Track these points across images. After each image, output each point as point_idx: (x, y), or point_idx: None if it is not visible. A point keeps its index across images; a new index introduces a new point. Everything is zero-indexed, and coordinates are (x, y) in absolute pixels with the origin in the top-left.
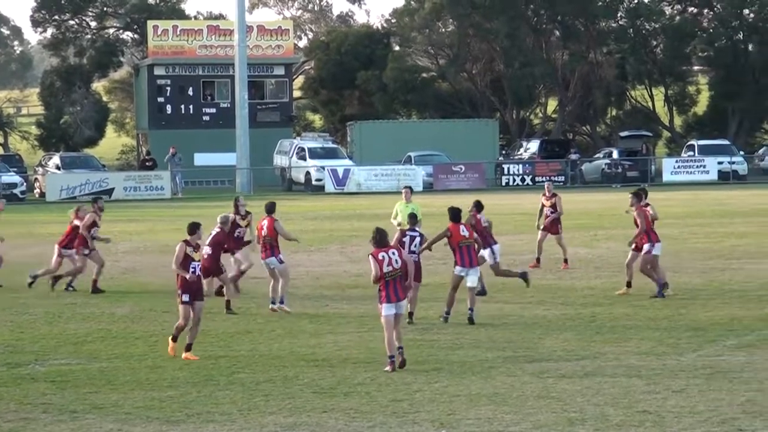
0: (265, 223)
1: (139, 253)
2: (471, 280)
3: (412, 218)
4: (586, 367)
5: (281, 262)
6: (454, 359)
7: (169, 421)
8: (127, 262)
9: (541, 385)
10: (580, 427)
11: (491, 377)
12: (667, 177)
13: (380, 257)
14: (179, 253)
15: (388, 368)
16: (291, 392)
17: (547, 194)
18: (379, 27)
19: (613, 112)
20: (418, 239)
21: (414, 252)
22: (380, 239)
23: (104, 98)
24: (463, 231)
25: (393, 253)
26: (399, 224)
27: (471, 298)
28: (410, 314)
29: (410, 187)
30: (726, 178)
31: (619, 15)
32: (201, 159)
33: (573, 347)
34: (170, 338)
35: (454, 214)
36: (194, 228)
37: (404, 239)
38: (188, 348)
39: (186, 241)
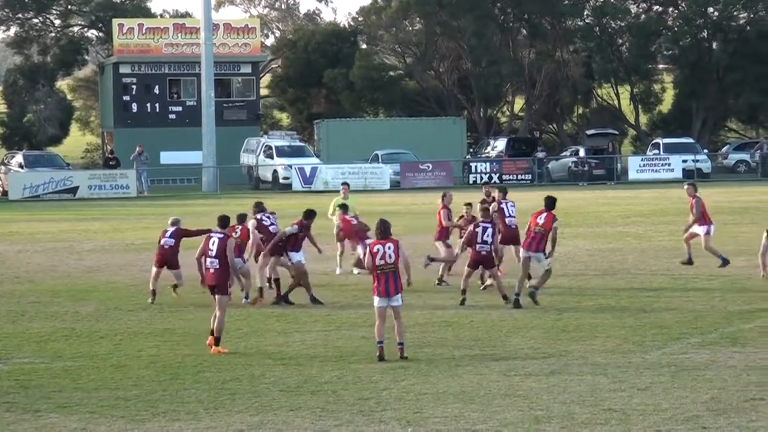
0: (240, 228)
1: (104, 251)
2: (544, 263)
3: (485, 212)
4: (552, 365)
5: (244, 262)
6: (421, 357)
7: (134, 420)
8: (91, 261)
9: (507, 383)
10: (546, 425)
11: (458, 375)
12: (632, 175)
13: (375, 249)
14: (232, 246)
15: (378, 352)
16: (257, 391)
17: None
18: (346, 25)
19: (580, 111)
20: (489, 230)
21: (486, 242)
22: (383, 231)
23: (69, 96)
24: (539, 219)
25: (389, 248)
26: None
27: (542, 279)
28: (503, 296)
29: (347, 184)
30: (690, 176)
31: (585, 13)
32: (167, 157)
33: (539, 345)
34: (215, 339)
35: (548, 202)
36: (226, 221)
37: (477, 230)
38: (217, 341)
39: (228, 236)
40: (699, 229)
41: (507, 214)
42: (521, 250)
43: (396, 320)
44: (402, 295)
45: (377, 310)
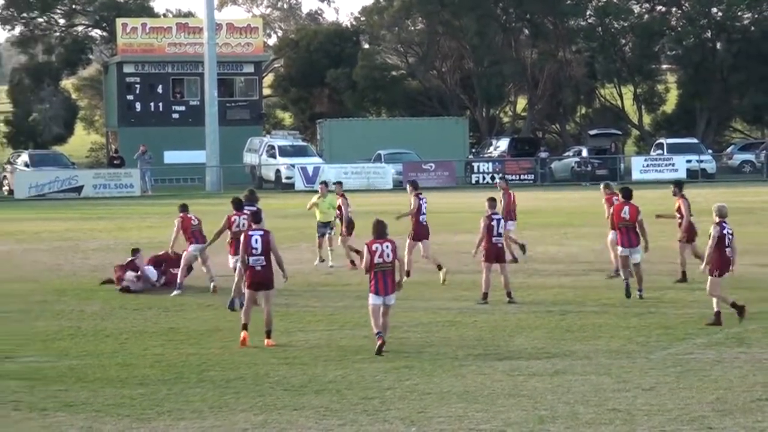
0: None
1: (108, 250)
2: (635, 258)
3: (492, 201)
4: (556, 365)
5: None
6: (425, 357)
7: (139, 419)
8: (96, 260)
9: (511, 383)
10: (550, 425)
11: (462, 375)
12: (636, 175)
13: (374, 248)
14: (274, 240)
15: (378, 342)
16: (261, 390)
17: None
18: (349, 25)
19: (583, 111)
20: (502, 222)
21: (501, 234)
22: (379, 231)
23: (73, 96)
24: (625, 213)
25: (387, 246)
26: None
27: (638, 277)
28: (508, 294)
29: (326, 182)
30: (694, 176)
31: (587, 13)
32: (170, 157)
33: (543, 345)
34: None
35: (625, 192)
36: (259, 216)
37: (492, 224)
38: (269, 334)
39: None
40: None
41: (422, 211)
42: (619, 248)
43: (383, 317)
44: (395, 295)
45: (372, 308)
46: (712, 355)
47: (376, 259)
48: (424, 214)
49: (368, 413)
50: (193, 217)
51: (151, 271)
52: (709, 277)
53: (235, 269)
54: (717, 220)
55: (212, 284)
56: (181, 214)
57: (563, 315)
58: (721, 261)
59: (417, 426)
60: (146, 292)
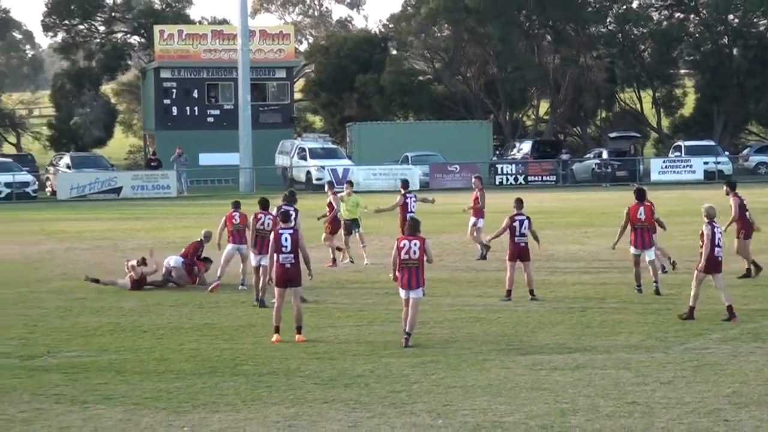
0: (239, 215)
1: (146, 249)
2: (648, 255)
3: (519, 202)
4: (577, 359)
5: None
6: (450, 352)
7: (176, 411)
8: (134, 259)
9: (533, 376)
10: (571, 418)
11: (486, 369)
12: (654, 177)
13: (401, 245)
14: (302, 239)
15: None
16: (293, 384)
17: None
18: (377, 32)
19: (603, 114)
20: (526, 222)
21: (524, 234)
22: (411, 228)
23: (113, 100)
24: (641, 214)
25: (414, 244)
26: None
27: (653, 271)
28: (531, 291)
29: (351, 182)
30: (711, 177)
31: (608, 20)
32: (205, 159)
33: (564, 340)
34: (297, 329)
35: (639, 194)
36: (288, 216)
37: (514, 224)
38: (299, 330)
39: (297, 230)
40: (471, 219)
41: (409, 209)
42: (631, 248)
43: (411, 310)
44: (424, 289)
45: (403, 301)
46: (728, 350)
47: (403, 255)
48: (411, 212)
49: (395, 406)
50: (235, 216)
51: (177, 260)
52: (695, 272)
53: (257, 268)
54: (706, 220)
55: (240, 287)
56: (230, 211)
57: (584, 311)
58: (708, 259)
59: (443, 419)
60: (185, 289)
